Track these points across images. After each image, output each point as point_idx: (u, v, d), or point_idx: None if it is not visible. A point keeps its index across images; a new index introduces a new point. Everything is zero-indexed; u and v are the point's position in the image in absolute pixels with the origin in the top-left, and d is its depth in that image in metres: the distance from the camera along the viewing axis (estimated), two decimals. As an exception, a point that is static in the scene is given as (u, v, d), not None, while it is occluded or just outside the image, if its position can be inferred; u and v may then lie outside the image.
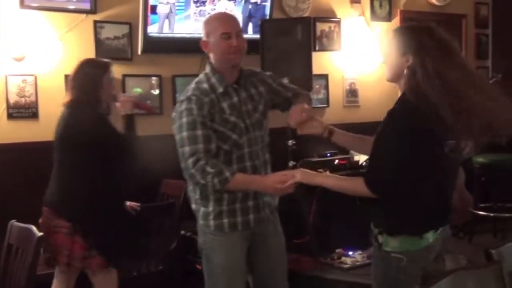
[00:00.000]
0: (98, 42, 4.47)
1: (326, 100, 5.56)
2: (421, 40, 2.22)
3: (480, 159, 5.32)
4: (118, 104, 3.34)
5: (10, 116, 4.18)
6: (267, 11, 4.94)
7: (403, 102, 2.23)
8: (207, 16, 2.89)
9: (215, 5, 4.65)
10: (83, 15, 4.41)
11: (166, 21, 4.51)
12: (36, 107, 4.23)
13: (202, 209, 2.69)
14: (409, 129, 2.14)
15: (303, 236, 4.49)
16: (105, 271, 3.23)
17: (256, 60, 4.49)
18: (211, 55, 2.68)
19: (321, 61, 5.46)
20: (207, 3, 4.63)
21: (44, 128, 3.36)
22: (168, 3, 4.47)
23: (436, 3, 6.14)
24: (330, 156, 4.97)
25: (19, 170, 4.09)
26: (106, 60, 3.36)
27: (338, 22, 5.61)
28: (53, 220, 3.16)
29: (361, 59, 5.70)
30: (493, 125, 2.15)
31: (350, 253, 4.63)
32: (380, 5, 5.85)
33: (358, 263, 4.50)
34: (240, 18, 4.70)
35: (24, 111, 4.21)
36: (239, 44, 2.63)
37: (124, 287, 3.46)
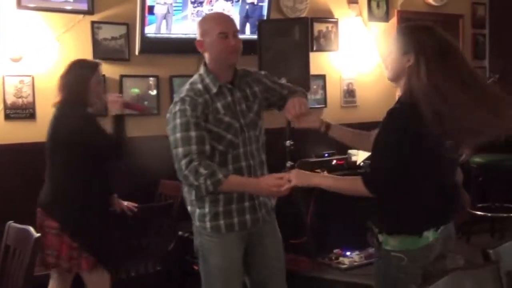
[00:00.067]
0: (96, 43, 4.47)
1: (324, 101, 5.56)
2: (421, 40, 2.22)
3: (477, 159, 5.33)
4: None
5: (7, 117, 4.17)
6: (265, 12, 4.94)
7: (402, 102, 2.23)
8: (204, 16, 2.89)
9: (212, 6, 4.65)
10: (81, 16, 4.41)
11: (164, 21, 4.51)
12: (33, 108, 4.22)
13: (198, 210, 2.68)
14: (408, 129, 2.15)
15: (300, 237, 4.49)
16: (97, 271, 3.23)
17: (253, 61, 4.49)
18: (206, 55, 2.67)
19: (319, 62, 5.47)
20: (204, 4, 4.63)
21: (41, 129, 3.35)
22: (165, 3, 4.47)
23: (433, 3, 6.15)
24: (327, 156, 4.98)
25: (16, 171, 4.09)
26: (95, 60, 3.37)
27: (336, 23, 5.61)
28: (44, 220, 3.19)
29: (358, 60, 5.70)
30: (479, 131, 2.16)
31: (348, 253, 4.63)
32: (378, 6, 5.86)
33: (355, 264, 4.50)
34: (237, 18, 4.71)
35: (21, 111, 4.20)
36: (236, 43, 2.63)
37: (122, 288, 3.48)
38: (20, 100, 4.20)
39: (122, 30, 4.56)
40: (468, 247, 5.23)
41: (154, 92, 4.74)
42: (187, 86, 2.66)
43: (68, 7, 4.34)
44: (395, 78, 2.35)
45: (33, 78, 4.22)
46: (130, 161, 4.38)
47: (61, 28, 4.34)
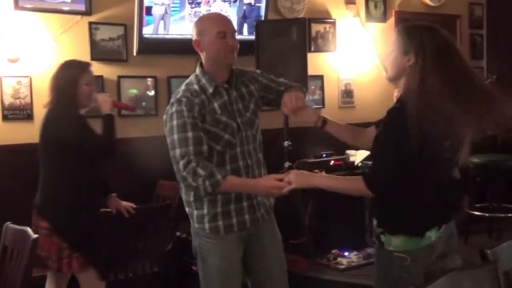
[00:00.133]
0: (93, 44, 4.47)
1: (322, 101, 5.56)
2: (421, 39, 2.23)
3: (475, 160, 5.33)
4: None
5: (5, 117, 4.17)
6: (262, 12, 4.94)
7: (403, 102, 2.24)
8: (200, 16, 2.88)
9: (210, 6, 4.65)
10: (78, 17, 4.41)
11: (161, 22, 4.51)
12: (31, 109, 4.22)
13: (196, 212, 2.68)
14: (408, 128, 2.15)
15: (299, 237, 4.49)
16: (90, 271, 3.23)
17: (251, 61, 4.49)
18: (203, 55, 2.66)
19: (317, 62, 5.47)
20: (202, 4, 4.63)
21: (39, 130, 3.36)
22: (163, 4, 4.47)
23: (431, 3, 6.15)
24: (325, 156, 4.98)
25: (14, 172, 4.08)
26: (84, 61, 3.36)
27: (333, 23, 5.61)
28: (37, 221, 3.20)
29: (356, 60, 5.71)
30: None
31: (346, 253, 4.63)
32: (375, 6, 5.86)
33: (354, 264, 4.49)
34: (234, 19, 4.71)
35: (19, 112, 4.20)
36: (234, 43, 2.63)
37: (120, 289, 3.48)
38: (17, 101, 4.20)
39: (119, 30, 4.56)
40: (466, 247, 5.22)
41: (152, 93, 4.74)
42: (183, 87, 2.65)
43: (66, 8, 4.34)
44: (394, 78, 2.35)
45: (30, 79, 4.22)
46: (128, 161, 4.41)
47: (58, 29, 4.34)
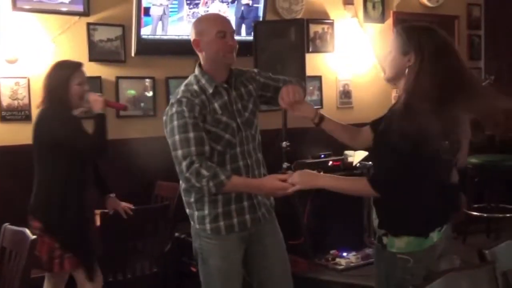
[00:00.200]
0: (91, 44, 4.47)
1: (320, 102, 5.57)
2: (421, 40, 2.23)
3: (473, 160, 5.33)
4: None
5: (3, 118, 4.17)
6: (260, 13, 4.94)
7: (403, 102, 2.25)
8: (199, 16, 2.88)
9: (208, 7, 4.66)
10: (76, 17, 4.41)
11: (160, 23, 4.51)
12: (29, 110, 4.22)
13: (197, 212, 2.67)
14: (410, 129, 2.16)
15: (297, 238, 4.49)
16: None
17: (249, 62, 4.49)
18: (202, 55, 2.66)
19: (315, 63, 5.47)
20: (200, 5, 4.63)
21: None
22: (161, 5, 4.47)
23: (429, 4, 6.16)
24: (324, 157, 4.97)
25: (12, 173, 4.08)
26: (76, 61, 3.35)
27: (331, 24, 5.61)
28: (30, 221, 3.20)
29: (354, 61, 5.71)
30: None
31: (345, 254, 4.64)
32: (373, 7, 5.86)
33: (352, 264, 4.50)
34: (233, 19, 4.71)
35: (17, 113, 4.20)
36: (234, 43, 2.64)
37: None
38: (15, 102, 4.20)
39: (118, 31, 4.56)
40: (464, 248, 5.23)
41: (150, 94, 4.74)
42: (182, 87, 2.65)
43: (64, 9, 4.34)
44: (393, 79, 2.35)
45: (28, 80, 4.22)
46: (127, 162, 4.41)
47: (56, 29, 4.34)
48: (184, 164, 2.49)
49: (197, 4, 4.61)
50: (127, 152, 4.48)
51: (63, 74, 3.24)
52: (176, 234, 4.23)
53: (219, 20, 2.69)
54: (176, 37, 4.59)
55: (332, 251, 4.68)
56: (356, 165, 4.93)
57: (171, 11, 4.54)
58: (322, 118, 2.65)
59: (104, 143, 3.27)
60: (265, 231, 2.77)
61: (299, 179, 2.42)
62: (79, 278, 3.26)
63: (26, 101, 4.21)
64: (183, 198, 2.74)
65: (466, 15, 6.56)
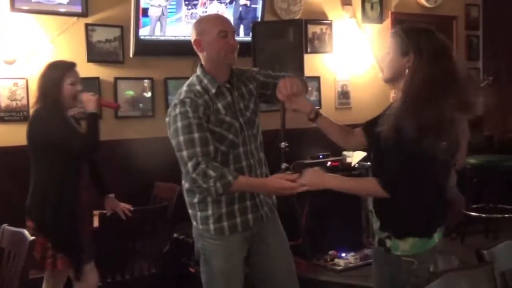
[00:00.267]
0: (90, 45, 4.47)
1: (318, 102, 5.57)
2: (419, 41, 2.24)
3: (472, 160, 5.34)
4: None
5: (1, 119, 4.17)
6: (259, 14, 4.94)
7: (404, 103, 2.27)
8: (199, 17, 2.88)
9: (206, 8, 4.66)
10: (75, 18, 4.41)
11: (158, 23, 4.51)
12: (28, 111, 4.21)
13: (200, 213, 2.67)
14: (410, 128, 2.17)
15: (296, 238, 4.49)
16: (87, 271, 3.24)
17: (248, 63, 4.48)
18: (203, 55, 2.66)
19: (313, 63, 5.47)
20: (198, 6, 4.63)
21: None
22: (159, 6, 4.47)
23: (427, 5, 6.16)
24: (322, 158, 4.98)
25: (11, 174, 4.08)
26: (70, 61, 3.36)
27: (330, 24, 5.62)
28: (26, 220, 3.21)
29: (352, 61, 5.71)
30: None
31: (343, 254, 4.64)
32: (371, 7, 5.87)
33: (351, 265, 4.50)
34: (231, 20, 4.69)
35: (15, 114, 4.20)
36: (235, 43, 2.64)
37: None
38: (14, 103, 4.20)
39: (116, 32, 4.55)
40: (463, 248, 5.24)
41: (148, 94, 4.74)
42: (184, 88, 2.64)
43: (62, 10, 4.33)
44: (392, 79, 2.36)
45: (27, 80, 4.22)
46: (125, 163, 4.41)
47: (55, 30, 4.34)
48: (190, 164, 2.48)
49: (195, 5, 4.61)
50: (126, 153, 4.47)
51: (56, 74, 3.25)
52: (175, 235, 4.22)
53: (220, 20, 2.70)
54: (175, 38, 4.59)
55: (330, 252, 4.68)
56: (354, 165, 4.94)
57: (169, 12, 4.54)
58: (317, 114, 2.64)
59: (96, 142, 3.27)
60: (268, 230, 2.77)
61: (308, 179, 2.41)
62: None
63: (24, 102, 4.21)
64: (186, 198, 2.73)
65: (464, 15, 6.56)
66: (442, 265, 3.07)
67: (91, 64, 4.47)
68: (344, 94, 5.76)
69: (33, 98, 4.12)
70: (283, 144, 4.57)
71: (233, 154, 2.63)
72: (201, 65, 2.69)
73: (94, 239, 3.38)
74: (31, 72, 4.22)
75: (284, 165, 4.52)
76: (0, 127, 4.17)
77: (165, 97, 4.77)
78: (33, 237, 2.61)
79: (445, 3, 6.28)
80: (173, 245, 4.12)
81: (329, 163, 4.92)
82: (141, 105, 4.70)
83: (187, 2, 4.58)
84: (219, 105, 2.61)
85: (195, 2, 4.61)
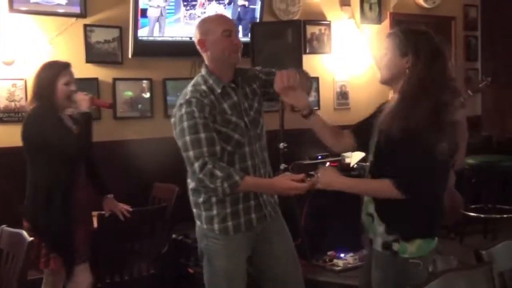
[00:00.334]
0: (88, 46, 4.47)
1: (317, 103, 5.57)
2: (417, 43, 2.26)
3: (470, 161, 5.34)
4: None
5: (0, 120, 4.16)
6: (257, 14, 4.95)
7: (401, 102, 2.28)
8: (203, 17, 2.87)
9: (205, 8, 4.66)
10: (73, 19, 4.41)
11: (157, 24, 4.51)
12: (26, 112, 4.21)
13: (205, 213, 2.67)
14: (412, 127, 2.19)
15: (295, 239, 4.47)
16: (79, 271, 3.24)
17: (246, 63, 4.48)
18: (208, 55, 2.65)
19: (312, 64, 5.47)
20: (197, 6, 4.63)
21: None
22: (158, 6, 4.47)
23: (425, 5, 6.16)
24: (321, 158, 4.98)
25: (9, 175, 4.07)
26: (64, 61, 3.35)
27: (328, 25, 5.62)
28: (23, 221, 3.22)
29: (351, 62, 5.72)
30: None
31: (342, 255, 4.64)
32: (370, 8, 5.87)
33: (350, 265, 4.50)
34: (230, 21, 4.71)
35: (14, 115, 4.20)
36: (239, 42, 2.64)
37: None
38: (12, 104, 4.20)
39: (115, 33, 4.55)
40: (461, 248, 5.24)
41: (147, 95, 4.74)
42: (190, 88, 2.63)
43: (61, 10, 4.33)
44: (390, 80, 2.37)
45: (25, 81, 4.22)
46: (124, 163, 4.41)
47: (53, 31, 4.34)
48: (196, 165, 2.48)
49: (194, 6, 4.62)
50: (124, 154, 4.47)
51: (50, 74, 3.25)
52: (173, 236, 4.22)
53: (223, 19, 2.71)
54: (173, 39, 4.59)
55: (329, 252, 4.67)
56: (353, 166, 4.94)
57: (168, 13, 4.54)
58: (311, 111, 2.62)
59: (89, 142, 3.26)
60: (272, 230, 2.78)
61: (324, 179, 2.40)
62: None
63: (23, 102, 4.20)
64: (191, 198, 2.73)
65: (462, 16, 6.57)
66: (441, 265, 3.10)
67: (89, 65, 4.47)
68: (343, 95, 5.77)
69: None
70: (281, 145, 4.57)
71: (239, 154, 2.62)
72: (206, 65, 2.68)
73: (93, 239, 3.38)
74: (29, 73, 4.20)
75: (283, 166, 4.52)
76: (-1, 128, 4.17)
77: (164, 97, 4.77)
78: (31, 238, 2.61)
79: (444, 3, 6.29)
80: (171, 246, 4.12)
81: (327, 163, 4.92)
82: (139, 105, 4.70)
83: (185, 3, 4.58)
84: (225, 105, 2.61)
85: (193, 3, 4.61)
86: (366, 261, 2.62)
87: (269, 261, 2.78)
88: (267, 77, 2.80)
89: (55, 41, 4.34)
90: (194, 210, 2.73)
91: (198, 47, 2.66)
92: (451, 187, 4.93)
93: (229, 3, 4.78)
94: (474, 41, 6.68)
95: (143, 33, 4.46)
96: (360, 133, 2.55)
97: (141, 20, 4.42)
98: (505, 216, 5.41)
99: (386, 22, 5.94)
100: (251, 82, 2.76)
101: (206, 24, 2.66)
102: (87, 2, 4.42)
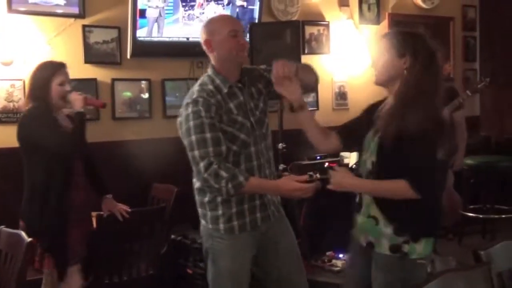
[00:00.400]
0: (87, 47, 4.46)
1: (316, 103, 5.57)
2: (415, 45, 2.28)
3: (469, 161, 5.35)
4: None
5: (-2, 121, 4.17)
6: (256, 15, 4.95)
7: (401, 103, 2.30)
8: (209, 18, 2.88)
9: (203, 9, 4.66)
10: (72, 19, 4.40)
11: (155, 25, 4.51)
12: (25, 112, 4.21)
13: (210, 213, 2.68)
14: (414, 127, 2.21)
15: (294, 239, 4.49)
16: (72, 272, 3.25)
17: (245, 63, 4.49)
18: (214, 55, 2.66)
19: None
20: (195, 7, 4.63)
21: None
22: (157, 7, 4.47)
23: (424, 6, 6.16)
24: (320, 159, 4.98)
25: (8, 175, 4.07)
26: (59, 61, 3.35)
27: (327, 26, 5.62)
28: (19, 221, 3.22)
29: (350, 62, 5.72)
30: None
31: (341, 255, 4.63)
32: (369, 8, 5.87)
33: (348, 266, 4.50)
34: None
35: (12, 116, 4.19)
36: (245, 42, 2.66)
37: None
38: (11, 104, 4.19)
39: (113, 33, 4.55)
40: (460, 249, 5.25)
41: (146, 96, 4.74)
42: (196, 87, 2.64)
43: (59, 11, 4.33)
44: (386, 81, 2.38)
45: (24, 82, 4.21)
46: (122, 164, 4.41)
47: (52, 31, 4.33)
48: (202, 164, 2.49)
49: (192, 6, 4.62)
50: (123, 154, 4.47)
51: (44, 74, 3.25)
52: (172, 236, 4.22)
53: (230, 19, 2.75)
54: (172, 39, 4.59)
55: (328, 253, 4.67)
56: (352, 166, 4.93)
57: (166, 13, 4.54)
58: (302, 107, 2.60)
59: (82, 141, 3.26)
60: (277, 230, 2.79)
61: (337, 180, 2.39)
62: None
63: (21, 103, 4.19)
64: (196, 197, 2.74)
65: (461, 16, 6.57)
66: (440, 266, 3.11)
67: (88, 65, 4.47)
68: (341, 95, 5.77)
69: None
70: (280, 145, 4.57)
71: (245, 153, 2.63)
72: (212, 65, 2.69)
73: (91, 240, 3.37)
74: (28, 74, 4.21)
75: (281, 166, 4.52)
76: (-3, 128, 4.17)
77: (163, 98, 4.77)
78: (30, 239, 2.61)
79: (442, 4, 6.29)
80: (170, 247, 4.12)
81: (326, 164, 4.92)
82: (138, 106, 4.70)
83: (184, 4, 4.58)
84: (231, 105, 2.61)
85: (192, 4, 4.61)
86: (351, 265, 2.62)
87: (274, 261, 2.79)
88: (270, 75, 2.81)
89: (54, 42, 4.34)
90: (200, 210, 2.74)
91: (204, 47, 2.67)
92: (449, 188, 4.94)
93: (227, 4, 4.78)
94: (473, 41, 6.69)
95: (141, 34, 4.46)
96: (347, 134, 2.56)
97: (139, 21, 4.42)
98: (503, 216, 5.43)
99: (385, 23, 5.94)
100: (257, 82, 2.77)
101: (212, 25, 2.67)
102: (85, 3, 4.41)
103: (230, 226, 2.65)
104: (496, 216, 5.42)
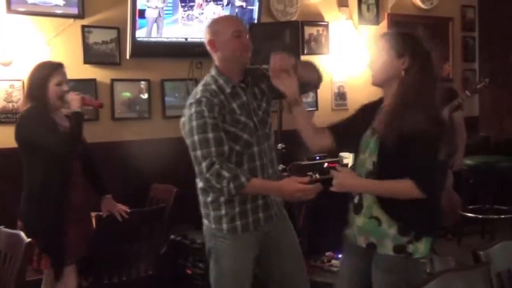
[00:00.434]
0: (86, 47, 4.46)
1: (315, 104, 5.57)
2: (414, 45, 2.28)
3: (468, 161, 5.35)
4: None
5: (-3, 121, 4.17)
6: (255, 15, 4.95)
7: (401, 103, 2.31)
8: (213, 18, 2.89)
9: (203, 9, 4.66)
10: (71, 20, 4.40)
11: (155, 25, 4.51)
12: (24, 112, 4.21)
13: (213, 213, 2.68)
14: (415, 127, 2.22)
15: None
16: (68, 272, 3.25)
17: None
18: (218, 55, 2.67)
19: (310, 65, 5.47)
20: (195, 7, 4.63)
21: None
22: (156, 7, 4.47)
23: (423, 6, 6.17)
24: (319, 159, 4.98)
25: (7, 176, 4.06)
26: (57, 62, 3.36)
27: (326, 26, 5.62)
28: (18, 220, 3.22)
29: (349, 63, 5.72)
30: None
31: (340, 256, 4.63)
32: (368, 9, 5.88)
33: (347, 266, 4.50)
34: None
35: (11, 116, 4.19)
36: (249, 43, 2.67)
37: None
38: (10, 105, 4.19)
39: (112, 34, 4.55)
40: (459, 249, 5.26)
41: (145, 96, 4.74)
42: (200, 87, 2.65)
43: (59, 11, 4.33)
44: (384, 81, 2.39)
45: (23, 82, 4.20)
46: (122, 164, 4.41)
47: (51, 32, 4.33)
48: (204, 164, 2.49)
49: (191, 7, 4.62)
50: (122, 155, 4.47)
51: (42, 74, 3.26)
52: (172, 237, 4.22)
53: (233, 20, 2.78)
54: (171, 40, 4.59)
55: (327, 253, 4.68)
56: (351, 166, 4.93)
57: (166, 14, 4.54)
58: (297, 102, 2.58)
59: (78, 141, 3.26)
60: (279, 230, 2.79)
61: (341, 181, 2.39)
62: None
63: (20, 103, 4.19)
64: (200, 197, 2.74)
65: (460, 17, 6.58)
66: (439, 266, 3.11)
67: (87, 66, 4.47)
68: (340, 96, 5.77)
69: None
70: (280, 146, 4.58)
71: (248, 154, 2.64)
72: (215, 65, 2.70)
73: (91, 240, 3.37)
74: (27, 74, 4.21)
75: (281, 167, 4.52)
76: (-3, 129, 4.17)
77: (162, 98, 4.77)
78: (29, 239, 2.61)
79: (441, 4, 6.29)
80: (170, 247, 4.12)
81: (325, 164, 4.92)
82: (137, 106, 4.70)
83: (183, 4, 4.58)
84: (234, 105, 2.62)
85: (191, 4, 4.61)
86: (347, 266, 2.61)
87: (277, 261, 2.79)
88: None
89: (53, 42, 4.34)
90: (202, 210, 2.74)
91: (208, 47, 2.68)
92: (449, 188, 4.95)
93: (227, 4, 4.78)
94: (472, 42, 6.69)
95: (141, 34, 4.46)
96: (342, 133, 2.56)
97: (139, 21, 4.41)
98: (502, 216, 5.43)
99: (384, 23, 5.95)
100: (260, 82, 2.77)
101: (216, 25, 2.68)
102: (85, 3, 4.41)
103: (233, 226, 2.65)
104: (495, 216, 5.43)
